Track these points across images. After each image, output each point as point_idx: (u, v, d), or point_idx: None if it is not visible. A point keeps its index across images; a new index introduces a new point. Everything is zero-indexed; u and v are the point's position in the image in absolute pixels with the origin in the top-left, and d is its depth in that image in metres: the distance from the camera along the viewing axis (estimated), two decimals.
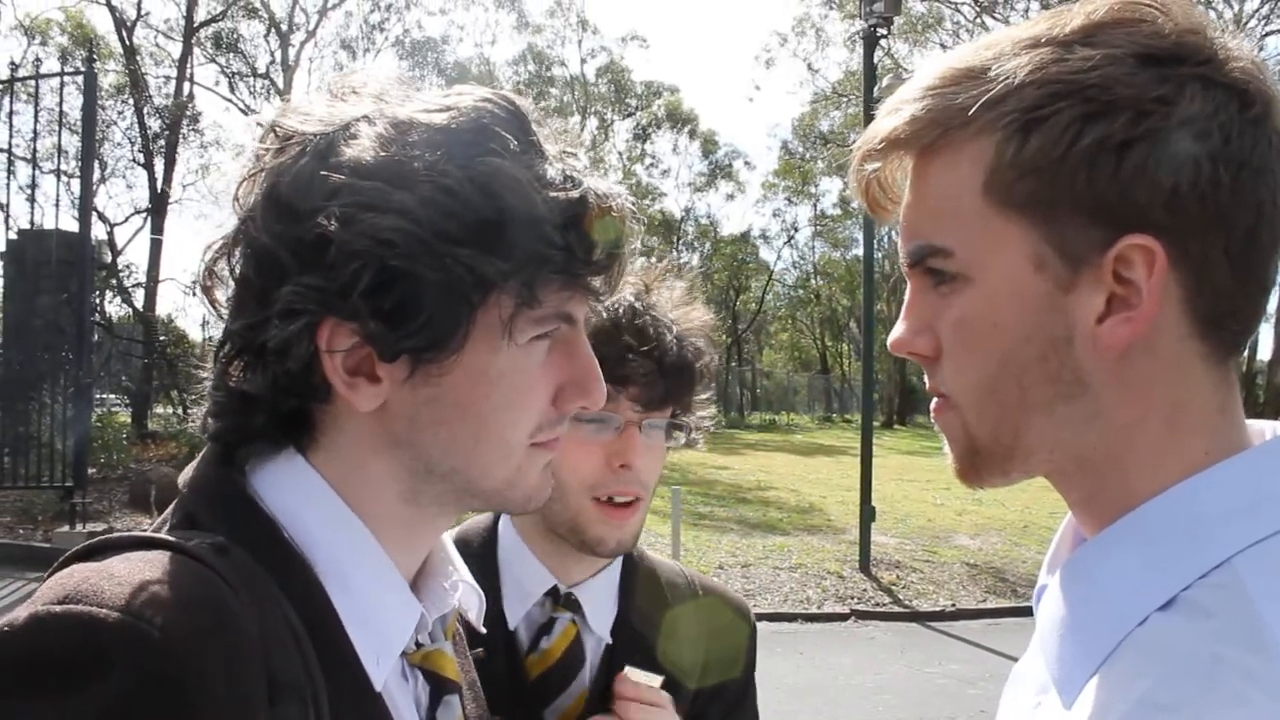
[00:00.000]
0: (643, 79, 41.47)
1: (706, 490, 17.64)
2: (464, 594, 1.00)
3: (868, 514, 11.71)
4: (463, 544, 1.38)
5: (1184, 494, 0.77)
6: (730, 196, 55.72)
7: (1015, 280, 0.78)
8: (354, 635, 0.83)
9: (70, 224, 14.99)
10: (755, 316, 52.87)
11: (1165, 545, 0.76)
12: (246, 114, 29.77)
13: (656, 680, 1.34)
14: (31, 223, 14.63)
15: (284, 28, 29.93)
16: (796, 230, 50.63)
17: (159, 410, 23.68)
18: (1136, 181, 0.73)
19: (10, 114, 16.47)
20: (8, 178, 13.92)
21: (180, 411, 22.66)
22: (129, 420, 20.63)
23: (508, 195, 0.79)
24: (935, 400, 0.87)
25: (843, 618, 10.15)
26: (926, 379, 0.88)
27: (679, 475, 19.75)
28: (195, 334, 26.01)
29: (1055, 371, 0.78)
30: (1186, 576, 0.74)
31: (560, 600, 1.40)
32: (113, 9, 24.92)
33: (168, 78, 26.02)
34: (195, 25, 25.51)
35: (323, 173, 0.80)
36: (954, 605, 10.65)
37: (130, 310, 23.66)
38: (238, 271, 0.85)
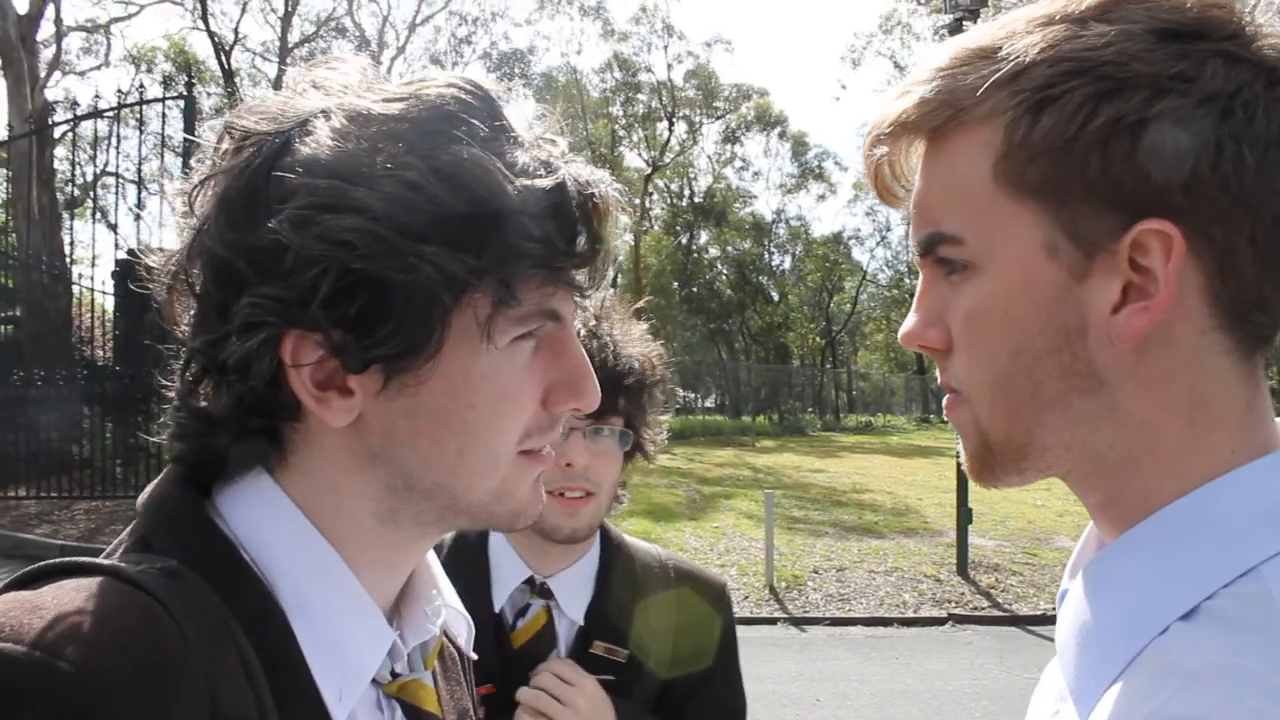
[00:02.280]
0: (730, 82, 41.46)
1: (801, 493, 17.50)
2: (450, 619, 0.96)
3: (965, 516, 11.46)
4: (461, 538, 1.67)
5: (1207, 496, 0.72)
6: (821, 197, 55.27)
7: (1026, 268, 0.74)
8: (315, 667, 0.77)
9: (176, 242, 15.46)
10: (849, 318, 52.37)
11: (1187, 551, 0.71)
12: None
13: (622, 654, 1.60)
14: (139, 242, 15.15)
15: (374, 46, 30.55)
16: (889, 229, 49.99)
17: None
18: (1152, 163, 0.69)
19: (117, 139, 17.07)
20: (117, 200, 14.42)
21: None
22: None
23: (477, 186, 0.73)
24: (947, 396, 0.84)
25: (940, 622, 9.95)
26: (938, 373, 0.84)
27: (773, 479, 19.66)
28: None
29: (1069, 364, 0.74)
30: (1210, 585, 0.69)
31: (535, 588, 1.64)
32: (212, 35, 25.75)
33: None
34: (289, 46, 26.15)
35: (276, 173, 0.74)
36: (1055, 609, 10.34)
37: None
38: (197, 285, 0.79)
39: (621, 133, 39.97)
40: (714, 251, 48.50)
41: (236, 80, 25.89)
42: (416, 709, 0.88)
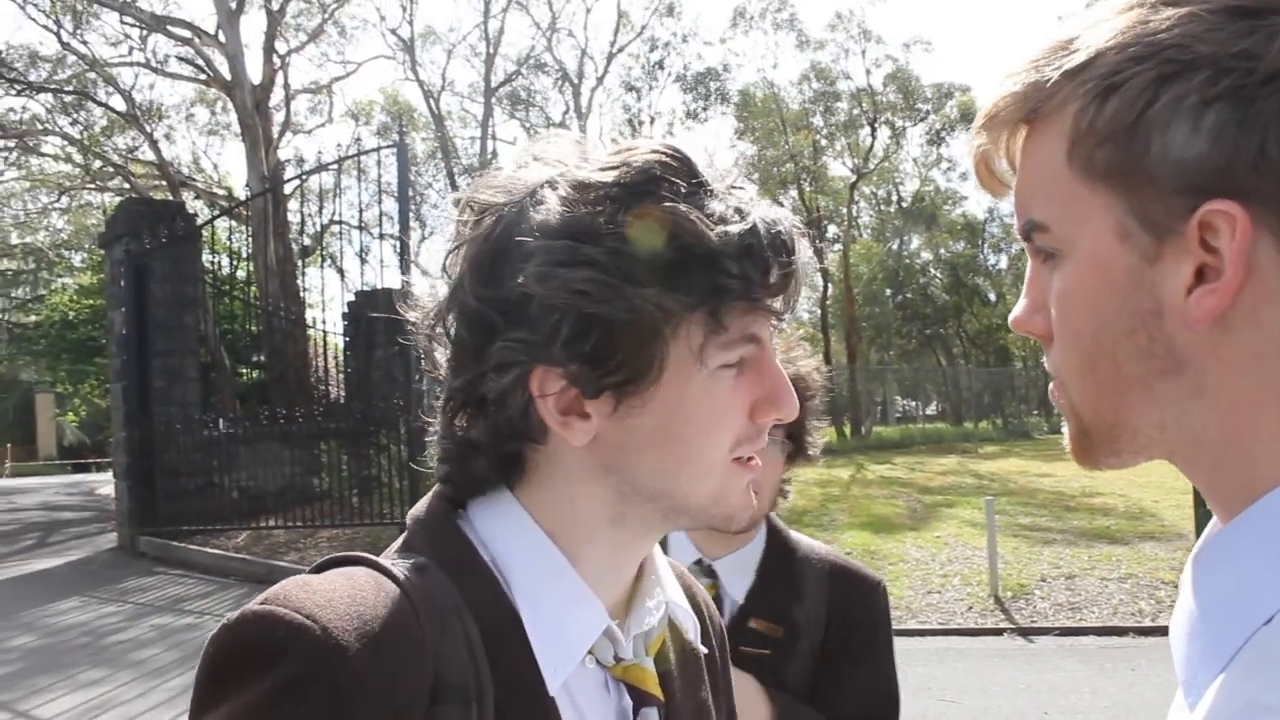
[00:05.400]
0: (931, 82, 40.37)
1: (1027, 499, 16.83)
2: (676, 615, 1.10)
3: (1204, 517, 10.64)
4: None
5: None
6: None
7: (1101, 253, 0.74)
8: (536, 645, 0.92)
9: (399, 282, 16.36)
10: None
11: None
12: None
13: (778, 631, 1.85)
14: (364, 284, 16.11)
15: (574, 79, 31.41)
16: None
17: None
18: (1216, 144, 0.67)
19: (340, 190, 18.23)
20: (342, 246, 15.40)
21: None
22: None
23: (683, 235, 0.87)
24: (1052, 383, 0.84)
25: None
26: (1045, 361, 0.85)
27: (997, 485, 18.99)
28: None
29: (1146, 346, 0.73)
30: None
31: (703, 569, 1.92)
32: (421, 83, 27.13)
33: (473, 138, 27.96)
34: (493, 87, 27.22)
35: (517, 239, 0.89)
36: None
37: None
38: (452, 333, 0.96)
39: (824, 142, 39.50)
40: (926, 256, 47.42)
41: (446, 124, 27.15)
42: (639, 690, 1.01)
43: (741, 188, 0.95)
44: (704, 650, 1.15)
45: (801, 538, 2.03)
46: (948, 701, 7.42)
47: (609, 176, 0.90)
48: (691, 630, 1.12)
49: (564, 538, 0.96)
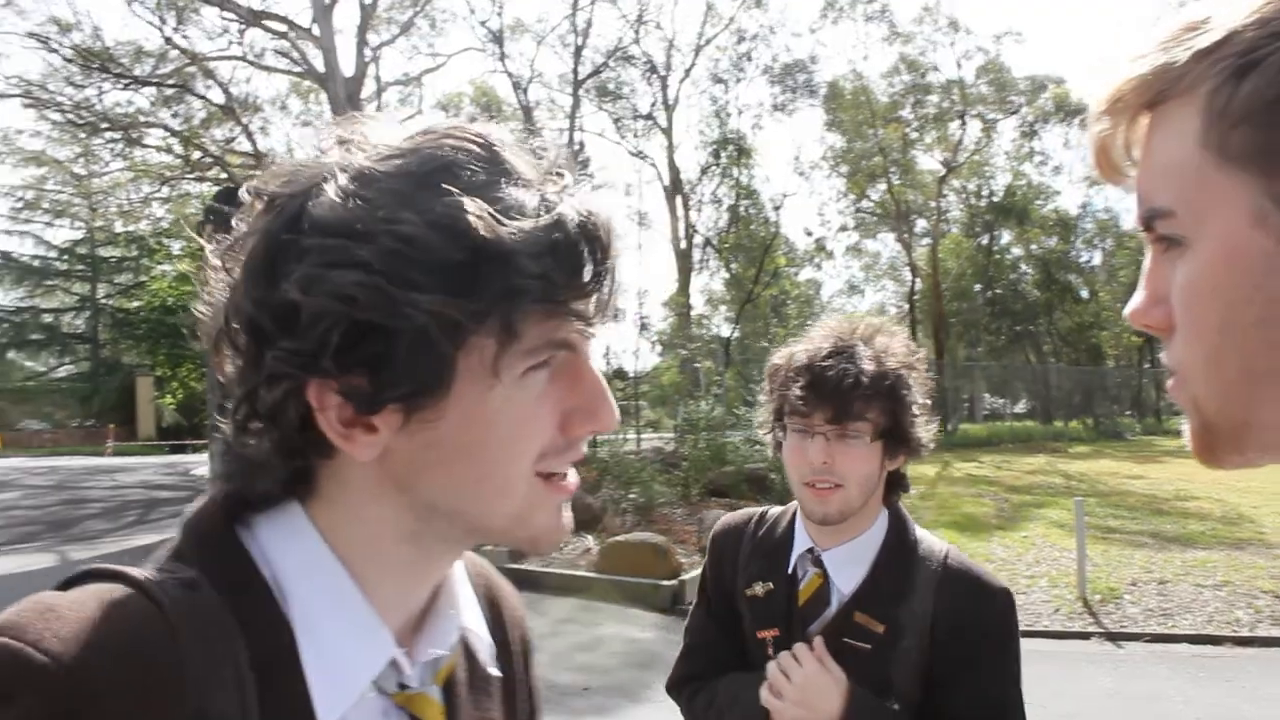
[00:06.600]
0: (1023, 74, 39.51)
1: (1118, 502, 16.42)
2: (471, 639, 1.01)
3: None
4: (772, 520, 2.09)
5: None
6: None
7: (1232, 238, 0.70)
8: (312, 678, 0.83)
9: None
10: None
11: None
12: (633, 155, 31.44)
13: (879, 627, 1.83)
14: None
15: (661, 70, 31.39)
16: None
17: None
18: None
19: None
20: None
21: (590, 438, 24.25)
22: None
23: (471, 234, 0.78)
24: (1170, 378, 0.80)
25: None
26: (1163, 355, 0.81)
27: (1087, 486, 18.59)
28: (600, 365, 27.92)
29: (1278, 339, 0.70)
30: None
31: (813, 558, 1.95)
32: (509, 74, 27.36)
33: (561, 129, 28.03)
34: (581, 78, 27.33)
35: (288, 236, 0.80)
36: None
37: None
38: (237, 340, 0.85)
39: (913, 135, 38.99)
40: (1016, 251, 46.47)
41: (533, 114, 27.33)
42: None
43: (560, 174, 0.86)
44: (497, 675, 1.07)
45: (926, 535, 2.00)
46: (1034, 705, 7.27)
47: (392, 166, 0.81)
48: (484, 653, 1.03)
49: (354, 559, 0.88)
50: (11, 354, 48.48)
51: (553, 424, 0.87)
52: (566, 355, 0.87)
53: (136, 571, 0.80)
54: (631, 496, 14.54)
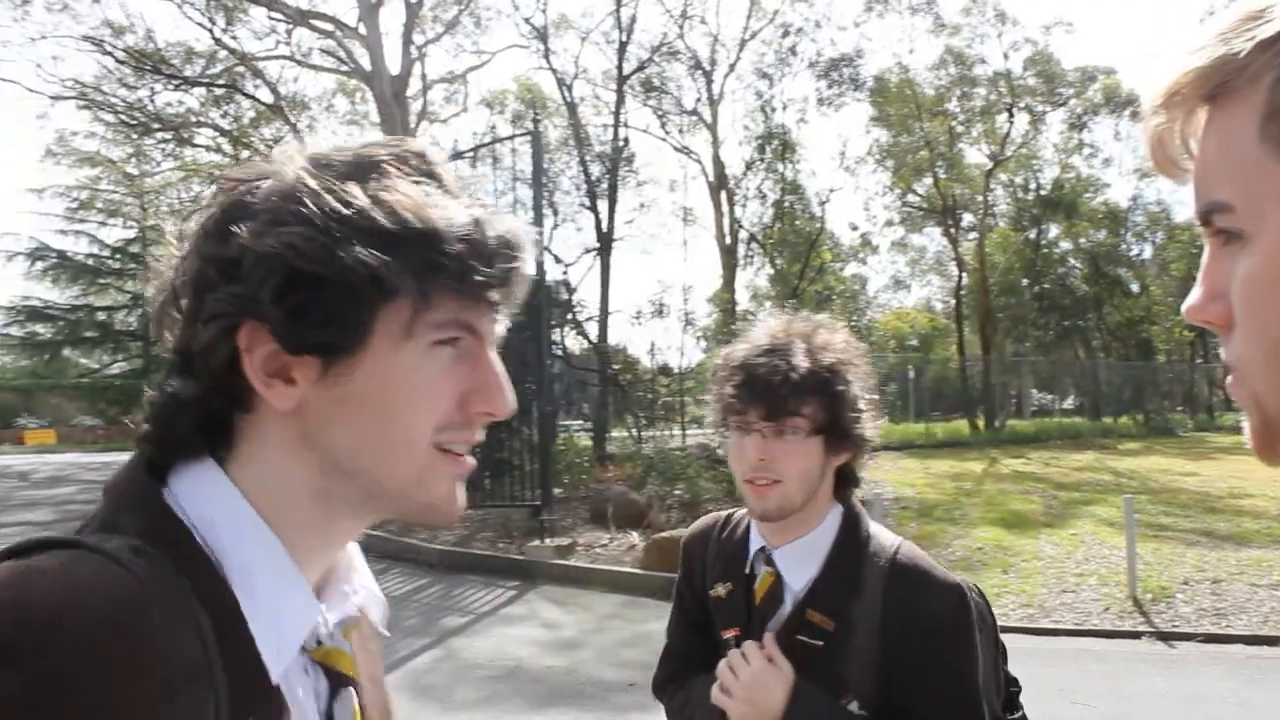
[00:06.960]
0: (1073, 65, 38.88)
1: (1170, 499, 16.16)
2: (366, 600, 1.07)
3: None
4: (735, 522, 2.12)
5: None
6: None
7: None
8: (256, 633, 0.88)
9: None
10: None
11: None
12: (678, 150, 31.42)
13: (830, 625, 1.85)
14: None
15: (706, 66, 31.32)
16: None
17: (616, 434, 25.30)
18: None
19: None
20: None
21: (635, 434, 24.32)
22: (590, 444, 22.29)
23: (403, 211, 0.90)
24: (1230, 375, 0.79)
25: None
26: (1222, 352, 0.80)
27: (1137, 483, 18.34)
28: (645, 362, 27.95)
29: None
30: None
31: (764, 556, 1.98)
32: (554, 71, 27.41)
33: (605, 125, 28.05)
34: (625, 74, 27.32)
35: (248, 198, 0.92)
36: None
37: (586, 342, 25.66)
38: (184, 295, 0.95)
39: (959, 129, 38.56)
40: (1065, 245, 45.83)
41: (578, 111, 27.40)
42: (335, 672, 1.01)
43: (481, 200, 0.98)
44: (386, 634, 1.16)
45: (879, 530, 2.00)
46: (1081, 705, 7.22)
47: (346, 156, 0.94)
48: (378, 613, 1.10)
49: (274, 517, 0.93)
50: (66, 351, 49.48)
51: (452, 399, 0.96)
52: (471, 341, 0.97)
53: (93, 539, 0.83)
54: (677, 493, 14.58)
